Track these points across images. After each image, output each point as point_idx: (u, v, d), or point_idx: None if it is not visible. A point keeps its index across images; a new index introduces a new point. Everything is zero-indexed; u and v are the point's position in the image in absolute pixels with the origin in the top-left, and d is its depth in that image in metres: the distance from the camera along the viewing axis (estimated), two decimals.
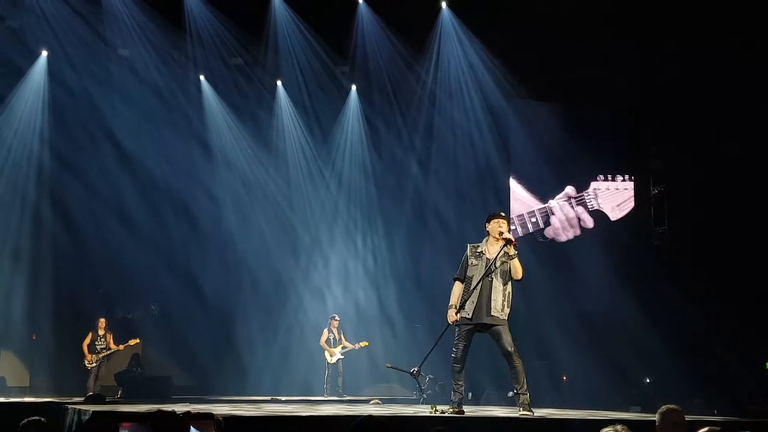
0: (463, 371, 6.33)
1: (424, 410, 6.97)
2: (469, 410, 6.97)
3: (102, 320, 12.22)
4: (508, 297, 6.24)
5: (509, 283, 6.24)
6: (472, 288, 6.17)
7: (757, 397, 10.34)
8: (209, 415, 3.11)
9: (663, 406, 4.72)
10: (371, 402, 10.15)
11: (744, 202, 11.23)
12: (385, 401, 10.24)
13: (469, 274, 6.27)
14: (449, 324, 6.33)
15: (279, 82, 14.91)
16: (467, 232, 11.26)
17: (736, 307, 11.23)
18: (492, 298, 6.14)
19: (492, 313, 6.14)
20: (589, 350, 12.18)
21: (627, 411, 8.34)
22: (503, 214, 6.42)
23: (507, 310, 6.22)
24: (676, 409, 4.70)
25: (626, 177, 14.62)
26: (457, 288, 6.35)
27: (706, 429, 4.12)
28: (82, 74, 13.19)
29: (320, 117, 15.12)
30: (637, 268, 13.18)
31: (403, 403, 10.50)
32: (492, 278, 6.16)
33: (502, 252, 6.19)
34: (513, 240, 6.25)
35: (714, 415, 7.98)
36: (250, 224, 14.67)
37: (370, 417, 3.46)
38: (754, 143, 11.15)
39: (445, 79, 14.24)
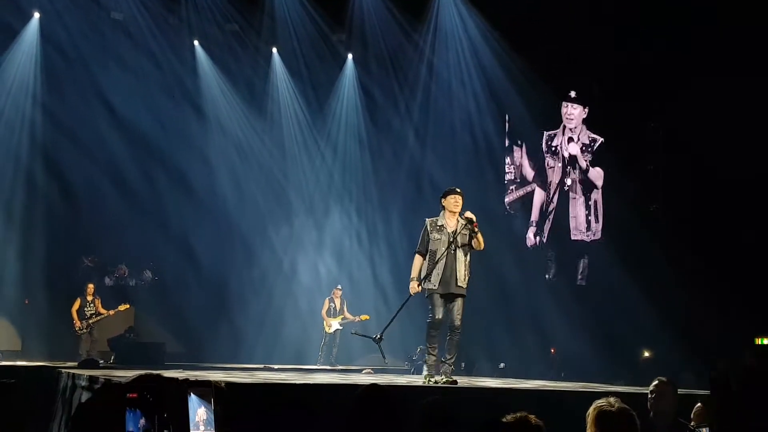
0: (438, 337, 6.69)
1: (416, 380, 7.01)
2: (462, 381, 7.02)
3: (90, 285, 12.21)
4: (468, 266, 6.61)
5: (469, 253, 6.62)
6: (437, 260, 6.50)
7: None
8: (207, 383, 3.11)
9: (656, 379, 4.76)
10: (363, 371, 10.23)
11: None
12: (377, 371, 10.31)
13: (432, 247, 6.59)
14: (410, 295, 6.71)
15: (274, 49, 14.74)
16: (464, 204, 11.22)
17: (729, 279, 11.30)
18: (456, 268, 6.49)
19: (458, 284, 6.51)
20: (580, 322, 12.27)
21: (617, 384, 8.41)
22: (458, 190, 6.78)
23: (468, 279, 6.60)
24: (668, 381, 4.74)
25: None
26: (418, 261, 6.69)
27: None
28: (76, 37, 13.02)
29: (316, 85, 14.99)
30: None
31: (395, 373, 10.58)
32: (454, 249, 6.49)
33: (465, 225, 6.59)
34: (474, 220, 6.57)
35: (704, 388, 8.05)
36: (244, 192, 14.61)
37: (373, 386, 3.50)
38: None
39: (443, 48, 14.10)
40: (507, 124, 14.63)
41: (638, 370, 11.13)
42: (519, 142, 14.76)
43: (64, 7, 12.88)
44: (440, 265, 6.48)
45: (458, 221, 6.60)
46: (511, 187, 14.78)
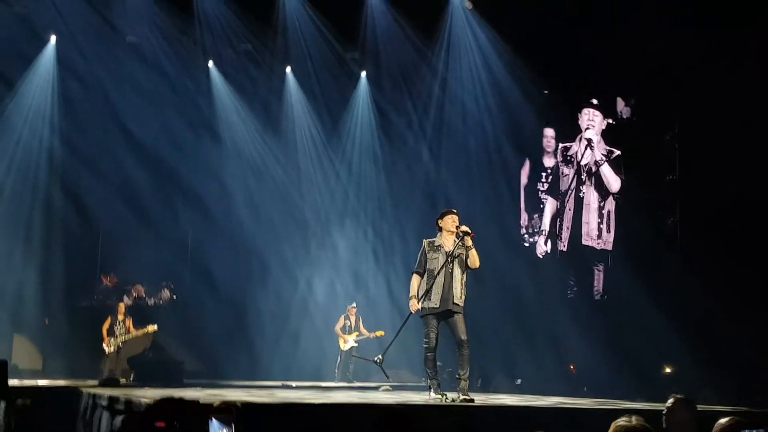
0: (434, 360, 6.87)
1: (426, 398, 6.99)
2: (479, 398, 7.01)
3: (122, 305, 12.31)
4: (465, 285, 6.78)
5: (465, 272, 6.79)
6: (435, 279, 6.67)
7: (766, 387, 10.32)
8: (228, 409, 3.15)
9: (673, 396, 4.73)
10: (381, 388, 10.21)
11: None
12: (394, 388, 10.29)
13: (429, 267, 6.82)
14: (411, 313, 6.86)
15: (288, 69, 14.87)
16: (477, 220, 11.24)
17: (749, 294, 11.19)
18: (453, 286, 6.67)
19: (455, 301, 6.65)
20: (598, 337, 12.19)
21: (637, 401, 8.35)
22: (455, 210, 7.03)
23: (464, 297, 6.76)
24: (687, 399, 4.71)
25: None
26: (416, 281, 6.90)
27: (728, 419, 4.11)
28: (91, 61, 13.21)
29: (330, 104, 15.09)
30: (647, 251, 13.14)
31: (413, 390, 10.54)
32: (452, 268, 6.67)
33: (461, 243, 6.74)
34: (470, 232, 6.71)
35: (723, 404, 7.98)
36: (260, 211, 14.70)
37: (391, 408, 3.52)
38: None
39: (456, 64, 14.16)
40: (554, 140, 14.68)
41: (659, 387, 11.02)
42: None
43: (80, 31, 13.06)
44: (438, 283, 6.65)
45: (455, 242, 6.78)
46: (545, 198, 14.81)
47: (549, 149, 14.82)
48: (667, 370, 12.24)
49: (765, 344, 10.67)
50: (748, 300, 11.08)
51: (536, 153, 14.73)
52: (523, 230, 14.80)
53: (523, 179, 14.83)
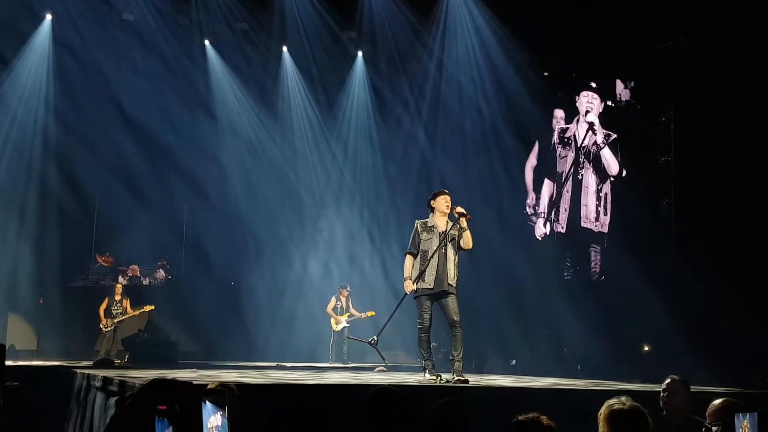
0: (428, 341, 6.87)
1: (420, 378, 7.01)
2: (474, 379, 7.03)
3: (119, 285, 12.33)
4: (457, 265, 6.79)
5: (458, 253, 6.79)
6: (429, 259, 6.67)
7: (761, 368, 10.39)
8: (221, 392, 3.15)
9: (669, 377, 4.75)
10: (376, 369, 10.23)
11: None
12: (389, 368, 10.32)
13: (423, 247, 6.78)
14: (406, 294, 6.87)
15: (285, 48, 14.77)
16: (474, 202, 11.23)
17: (744, 277, 11.22)
18: (447, 267, 6.67)
19: (449, 282, 6.66)
20: (594, 319, 12.23)
21: (630, 382, 8.39)
22: (447, 191, 6.96)
23: (457, 278, 6.76)
24: (682, 380, 4.74)
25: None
26: (409, 262, 6.86)
27: (721, 400, 4.13)
28: (87, 39, 13.09)
29: (326, 84, 15.01)
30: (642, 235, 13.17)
31: (408, 370, 10.58)
32: (445, 249, 6.68)
33: (456, 225, 6.73)
34: (466, 213, 6.71)
35: (717, 386, 8.02)
36: (256, 191, 14.67)
37: (384, 388, 3.51)
38: None
39: (452, 45, 14.08)
40: (563, 121, 14.65)
41: (653, 368, 11.08)
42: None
43: (76, 9, 12.95)
44: (432, 264, 6.64)
45: (447, 222, 6.79)
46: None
47: (557, 128, 14.81)
48: (646, 348, 12.33)
49: (759, 327, 10.72)
50: (742, 282, 11.12)
51: (543, 134, 14.69)
52: (530, 210, 14.80)
53: (531, 161, 14.81)
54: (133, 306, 12.07)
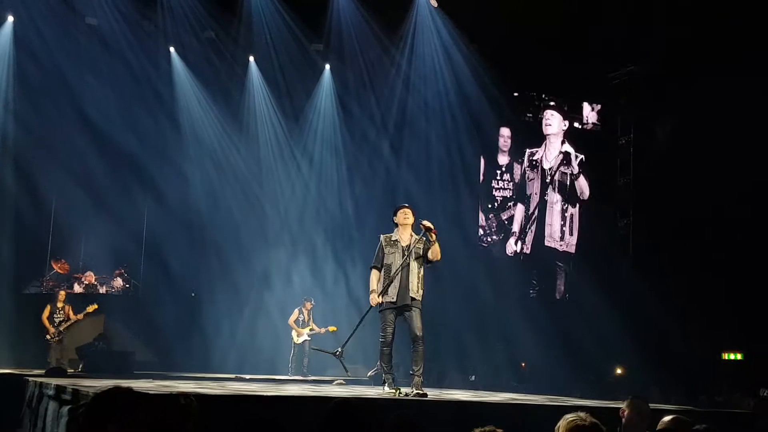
0: (390, 355, 6.88)
1: (379, 392, 7.01)
2: (433, 393, 7.05)
3: (62, 292, 12.05)
4: (422, 279, 6.80)
5: (422, 266, 6.82)
6: (393, 273, 6.71)
7: (710, 387, 10.62)
8: (174, 401, 3.12)
9: (630, 396, 4.84)
10: (335, 382, 10.20)
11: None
12: (348, 382, 10.29)
13: (386, 261, 6.81)
14: (371, 307, 6.86)
15: (251, 58, 14.71)
16: (437, 215, 11.29)
17: (695, 299, 11.48)
18: (410, 280, 6.69)
19: (412, 295, 6.67)
20: (549, 337, 12.37)
21: (586, 399, 8.49)
22: (406, 205, 7.04)
23: (421, 292, 6.76)
24: (644, 399, 4.83)
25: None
26: (374, 276, 6.90)
27: (671, 417, 4.20)
28: (49, 42, 12.86)
29: (293, 95, 14.97)
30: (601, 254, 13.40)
31: (366, 384, 10.56)
32: (409, 263, 6.72)
33: (422, 238, 6.76)
34: (432, 227, 6.74)
35: (669, 403, 8.17)
36: (219, 202, 14.53)
37: (344, 401, 3.50)
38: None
39: (420, 63, 14.21)
40: (510, 140, 14.85)
41: (608, 386, 11.24)
42: (520, 160, 14.97)
43: (38, 11, 12.74)
44: (396, 279, 6.68)
45: (411, 236, 6.84)
46: (509, 204, 14.95)
47: (504, 148, 15.03)
48: (618, 371, 12.49)
49: (709, 345, 10.97)
50: (696, 300, 11.37)
51: (491, 151, 14.92)
52: (481, 231, 14.93)
53: (481, 178, 14.99)
54: (76, 312, 11.80)
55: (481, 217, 14.98)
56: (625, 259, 13.00)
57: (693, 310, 11.41)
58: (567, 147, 14.82)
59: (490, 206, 15.00)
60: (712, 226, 11.66)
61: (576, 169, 14.75)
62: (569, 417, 3.10)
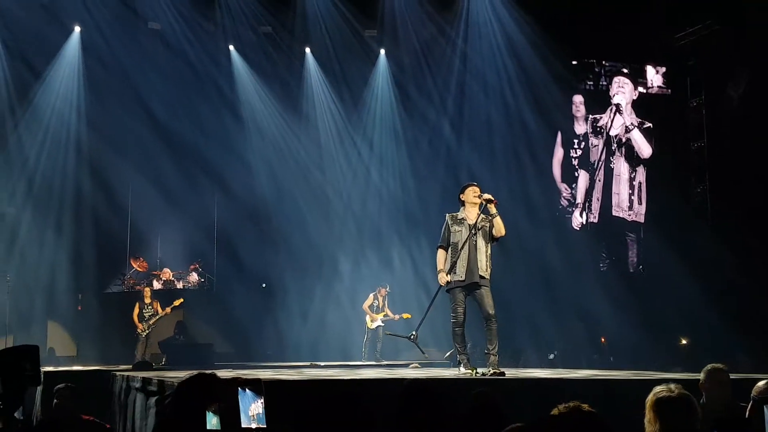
0: (463, 335, 6.77)
1: (455, 373, 6.98)
2: (510, 372, 6.98)
3: (147, 289, 12.51)
4: (490, 257, 6.73)
5: (490, 243, 6.74)
6: (460, 251, 6.63)
7: None
8: (258, 381, 3.17)
9: (708, 365, 4.68)
10: (410, 366, 10.22)
11: None
12: (424, 365, 10.30)
13: (453, 240, 6.74)
14: (441, 286, 6.80)
15: (307, 49, 14.83)
16: (501, 193, 11.14)
17: None
18: (478, 258, 6.62)
19: (481, 273, 6.60)
20: (627, 310, 12.06)
21: (670, 371, 8.25)
22: (475, 183, 6.97)
23: (490, 270, 6.69)
24: (721, 368, 4.66)
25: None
26: (441, 255, 6.84)
27: (765, 382, 4.06)
28: (115, 48, 13.29)
29: (350, 82, 15.02)
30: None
31: (441, 366, 10.55)
32: (476, 240, 6.64)
33: (487, 216, 6.69)
34: (494, 199, 6.67)
35: (759, 371, 7.86)
36: (283, 192, 14.74)
37: (416, 380, 3.49)
38: None
39: (475, 38, 14.00)
40: (582, 106, 14.49)
41: (691, 356, 10.91)
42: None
43: (104, 20, 13.16)
44: (463, 256, 6.61)
45: (478, 214, 6.73)
46: (576, 173, 14.64)
47: (579, 115, 14.64)
48: (683, 341, 12.14)
49: None
50: None
51: (566, 123, 14.54)
52: (565, 202, 14.64)
53: (558, 153, 14.65)
54: (164, 306, 12.22)
55: (563, 187, 14.66)
56: (702, 225, 12.53)
57: None
58: (633, 113, 14.36)
59: (570, 179, 14.66)
60: None
61: (629, 122, 14.31)
62: (657, 389, 3.04)
